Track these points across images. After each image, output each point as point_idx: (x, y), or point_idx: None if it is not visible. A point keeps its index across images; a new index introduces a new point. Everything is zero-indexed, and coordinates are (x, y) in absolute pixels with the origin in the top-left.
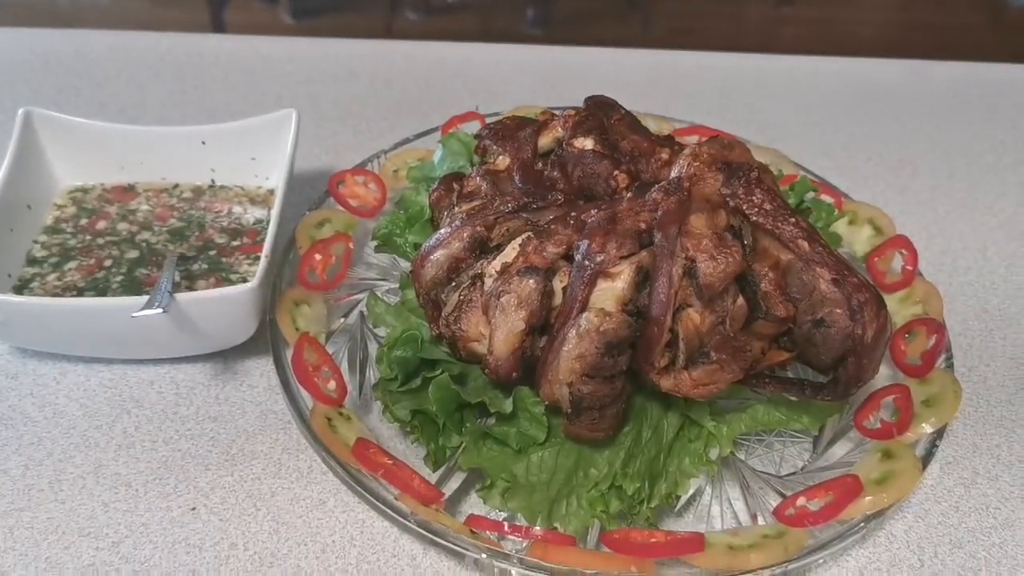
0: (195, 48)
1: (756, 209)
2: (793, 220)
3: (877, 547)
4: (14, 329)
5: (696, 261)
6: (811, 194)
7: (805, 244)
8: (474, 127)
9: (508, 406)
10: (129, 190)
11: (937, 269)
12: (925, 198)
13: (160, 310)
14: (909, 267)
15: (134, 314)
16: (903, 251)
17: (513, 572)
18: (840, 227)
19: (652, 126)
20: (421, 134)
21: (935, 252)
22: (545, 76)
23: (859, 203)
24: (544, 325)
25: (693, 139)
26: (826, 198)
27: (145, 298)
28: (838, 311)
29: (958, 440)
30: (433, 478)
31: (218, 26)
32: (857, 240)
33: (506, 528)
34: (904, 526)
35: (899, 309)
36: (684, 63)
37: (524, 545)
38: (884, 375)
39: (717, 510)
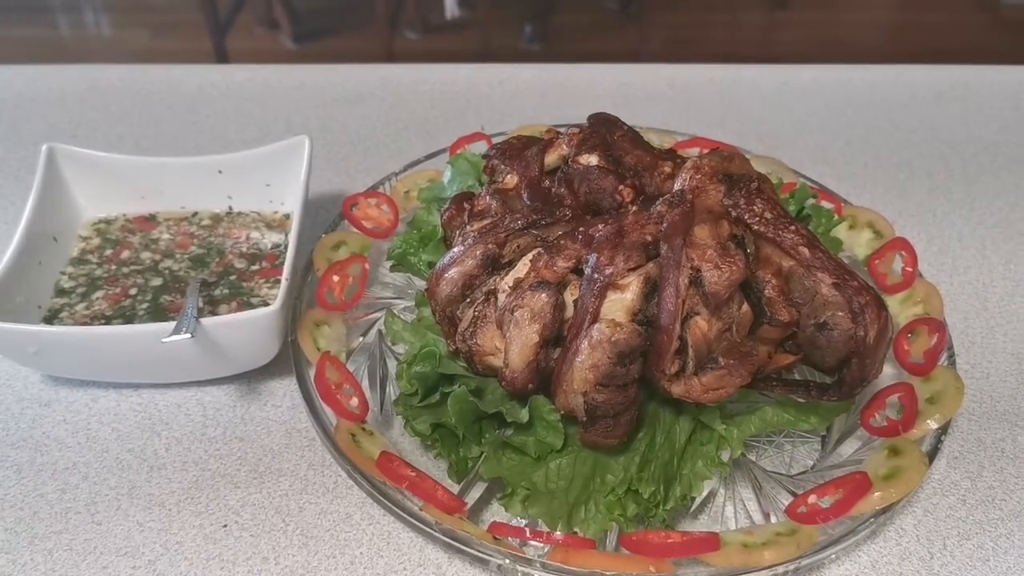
0: (206, 79)
1: (757, 218)
2: (793, 228)
3: (887, 541)
4: (47, 358)
5: (701, 271)
6: (811, 200)
7: (806, 250)
8: (481, 147)
9: (525, 415)
10: (150, 220)
11: (937, 269)
12: (923, 200)
13: (188, 335)
14: (909, 268)
15: (164, 340)
16: (903, 253)
17: None
18: (840, 232)
19: (654, 140)
20: (430, 155)
21: (934, 252)
22: (547, 94)
23: (858, 207)
24: (557, 337)
25: (694, 151)
26: (826, 204)
27: (172, 324)
28: (840, 314)
29: (963, 435)
30: (455, 488)
31: (220, 53)
32: (857, 244)
33: (528, 534)
34: (913, 520)
35: (901, 310)
36: (682, 77)
37: (546, 550)
38: (888, 374)
39: (731, 510)
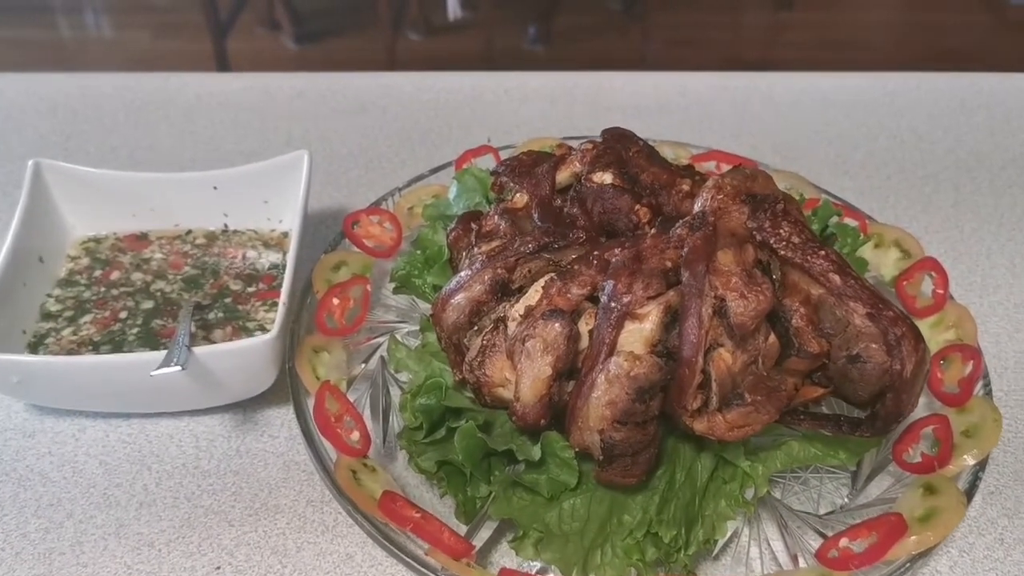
0: (203, 88)
1: (784, 243)
2: (823, 253)
3: None
4: (31, 388)
5: (726, 300)
6: (835, 219)
7: (837, 278)
8: (488, 161)
9: (536, 453)
10: (142, 238)
11: (966, 289)
12: (949, 214)
13: (179, 368)
14: (940, 290)
15: (153, 373)
16: (932, 273)
17: None
18: (866, 251)
19: (668, 153)
20: (435, 169)
21: (962, 271)
22: (555, 102)
23: (884, 225)
24: (571, 369)
25: (711, 164)
26: (850, 221)
27: (163, 354)
28: (874, 346)
29: (999, 468)
30: (463, 530)
31: (221, 55)
32: (884, 264)
33: None
34: (949, 562)
35: (932, 335)
36: (694, 85)
37: None
38: (921, 404)
39: (756, 552)
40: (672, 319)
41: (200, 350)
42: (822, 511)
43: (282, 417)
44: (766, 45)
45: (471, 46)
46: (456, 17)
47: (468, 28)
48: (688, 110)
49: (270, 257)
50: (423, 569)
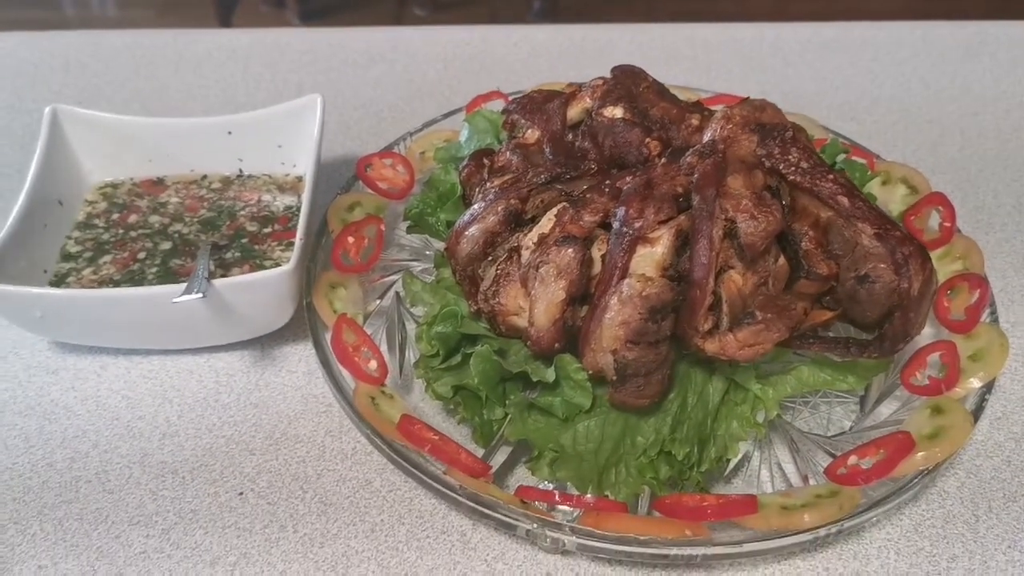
0: (213, 43)
1: (793, 168)
2: (831, 177)
3: (930, 504)
4: (53, 323)
5: (736, 221)
6: (843, 156)
7: (845, 200)
8: (498, 106)
9: (551, 375)
10: (158, 183)
11: (973, 227)
12: (955, 157)
13: (200, 295)
14: (947, 223)
15: (175, 300)
16: (939, 208)
17: (565, 541)
18: (874, 187)
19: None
20: (447, 114)
21: (969, 209)
22: (563, 54)
23: (892, 163)
24: (584, 294)
25: (720, 107)
26: (858, 159)
27: (183, 286)
28: (882, 266)
29: (1006, 395)
30: (479, 452)
31: None
32: (892, 200)
33: (557, 497)
34: (956, 482)
35: (939, 266)
36: (701, 35)
37: (575, 514)
38: (928, 333)
39: (767, 474)
40: (683, 243)
41: (219, 282)
42: (831, 433)
43: (299, 353)
44: (773, 15)
45: (476, 21)
46: None
47: (473, 3)
48: (696, 59)
49: (285, 200)
50: (442, 488)
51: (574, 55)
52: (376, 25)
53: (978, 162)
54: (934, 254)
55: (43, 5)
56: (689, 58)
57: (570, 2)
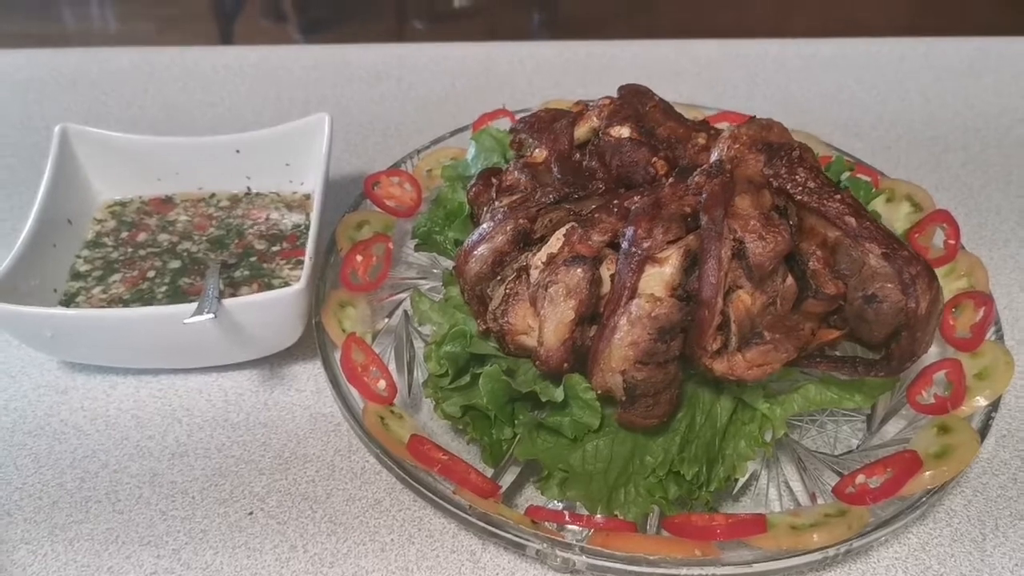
0: (219, 60)
1: (800, 188)
2: (838, 197)
3: (938, 523)
4: (63, 343)
5: (744, 242)
6: (847, 174)
7: (852, 220)
8: (504, 124)
9: (559, 394)
10: (167, 202)
11: (977, 243)
12: (959, 173)
13: (211, 315)
14: (951, 241)
15: (186, 321)
16: (944, 225)
17: (575, 561)
18: (878, 205)
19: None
20: (454, 132)
21: (973, 226)
22: (567, 71)
23: (896, 180)
24: (593, 314)
25: (725, 125)
26: (862, 176)
27: (193, 306)
28: (890, 285)
29: (1012, 412)
30: (488, 473)
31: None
32: (896, 217)
33: (567, 517)
34: (963, 500)
35: (944, 284)
36: (705, 52)
37: (585, 534)
38: (933, 351)
39: (775, 492)
40: (692, 263)
41: (229, 301)
42: (839, 452)
43: (308, 372)
44: (776, 28)
45: (476, 34)
46: (461, 4)
47: (473, 16)
48: (700, 76)
49: (293, 218)
50: (452, 508)
51: (579, 71)
52: (377, 37)
53: (981, 178)
54: (939, 272)
55: (44, 19)
56: (693, 74)
57: (571, 15)
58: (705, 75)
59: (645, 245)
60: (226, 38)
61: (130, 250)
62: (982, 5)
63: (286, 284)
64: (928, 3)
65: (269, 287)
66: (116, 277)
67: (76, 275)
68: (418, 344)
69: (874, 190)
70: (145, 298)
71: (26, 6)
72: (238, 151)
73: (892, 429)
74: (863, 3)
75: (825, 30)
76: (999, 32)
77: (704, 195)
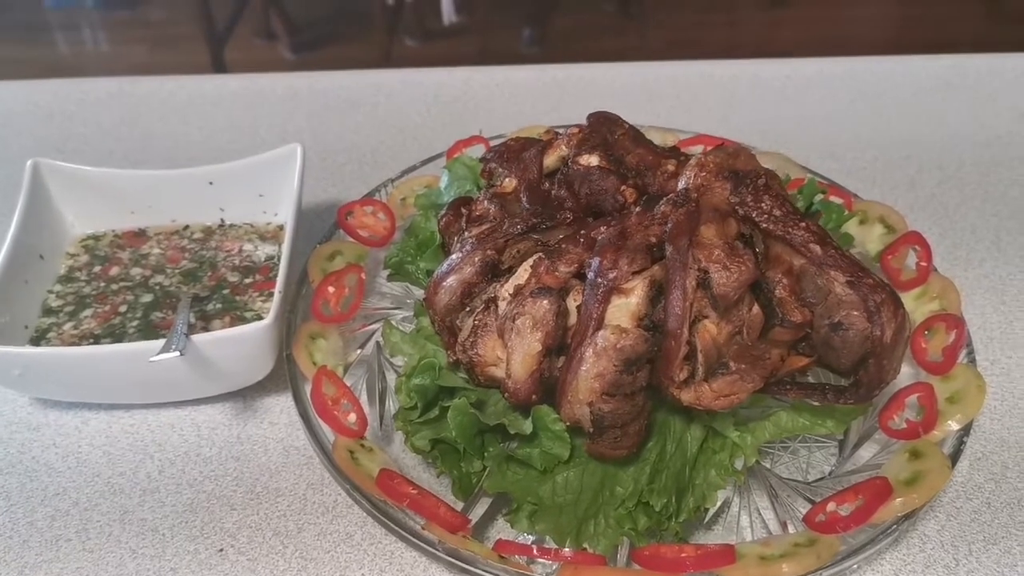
0: (198, 90)
1: (766, 216)
2: (803, 225)
3: (911, 548)
4: (33, 380)
5: (709, 272)
6: (820, 196)
7: (817, 248)
8: (479, 151)
9: (528, 426)
10: (140, 235)
11: (951, 263)
12: (934, 192)
13: (177, 353)
14: (923, 263)
15: (152, 359)
16: (916, 247)
17: None
18: (851, 227)
19: (656, 138)
20: (426, 161)
21: (948, 246)
22: (546, 94)
23: (869, 202)
24: (561, 345)
25: (698, 149)
26: (836, 199)
27: (162, 342)
28: (855, 313)
29: (985, 435)
30: (459, 506)
31: (219, 66)
32: (869, 239)
33: (535, 551)
34: (936, 525)
35: (916, 306)
36: (683, 73)
37: (554, 568)
38: (906, 373)
39: (746, 520)
40: (657, 293)
41: (198, 337)
42: (811, 479)
43: (280, 404)
44: (763, 43)
45: (467, 50)
46: (451, 21)
47: (464, 32)
48: (678, 97)
49: (266, 249)
50: (421, 543)
51: (557, 95)
52: (367, 55)
53: (956, 196)
54: (911, 294)
55: (38, 44)
56: (671, 96)
57: (561, 30)
58: (683, 96)
59: (611, 276)
60: (217, 59)
61: (103, 284)
62: (969, 20)
63: (259, 317)
64: (915, 18)
65: (242, 320)
66: (88, 312)
67: (48, 311)
68: (390, 375)
69: (847, 212)
70: (116, 333)
71: (16, 30)
72: (211, 183)
73: (866, 454)
74: (853, 18)
75: (815, 46)
76: (986, 47)
77: (670, 225)
